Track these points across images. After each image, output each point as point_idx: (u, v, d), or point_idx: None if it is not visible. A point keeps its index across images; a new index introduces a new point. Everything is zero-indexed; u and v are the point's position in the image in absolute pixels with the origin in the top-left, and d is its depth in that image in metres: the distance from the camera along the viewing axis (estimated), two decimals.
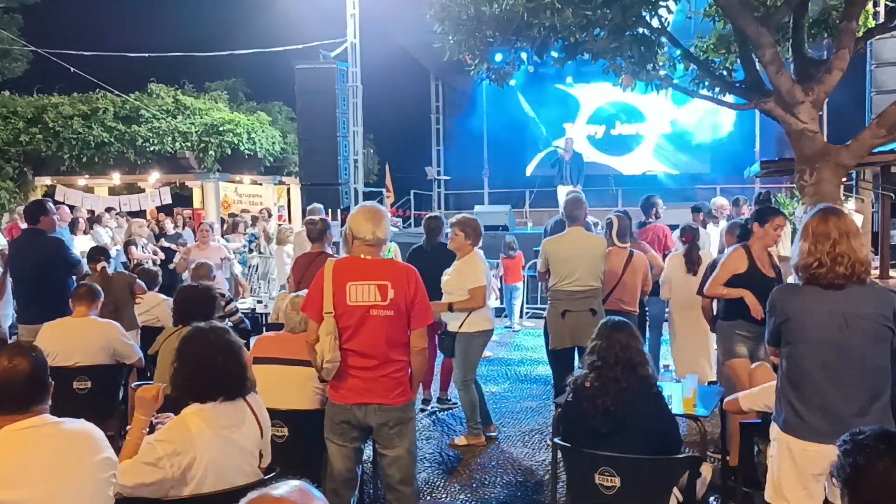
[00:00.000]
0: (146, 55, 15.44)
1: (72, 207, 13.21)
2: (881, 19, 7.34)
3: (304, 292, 4.86)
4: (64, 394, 4.66)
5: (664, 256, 7.48)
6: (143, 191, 20.12)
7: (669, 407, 3.47)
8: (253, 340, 8.26)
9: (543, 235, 7.61)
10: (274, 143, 19.28)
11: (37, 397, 2.49)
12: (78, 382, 5.14)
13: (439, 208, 19.86)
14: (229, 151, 17.84)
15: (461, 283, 5.70)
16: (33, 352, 2.54)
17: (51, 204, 6.63)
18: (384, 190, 19.50)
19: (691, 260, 6.43)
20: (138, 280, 6.71)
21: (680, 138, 19.08)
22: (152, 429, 2.85)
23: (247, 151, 18.17)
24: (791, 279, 3.32)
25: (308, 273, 6.22)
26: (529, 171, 19.92)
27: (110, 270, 6.91)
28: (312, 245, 6.76)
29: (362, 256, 3.80)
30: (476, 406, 6.02)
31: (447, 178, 19.68)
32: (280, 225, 12.96)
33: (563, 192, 14.83)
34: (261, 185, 21.18)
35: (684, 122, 18.82)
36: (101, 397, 5.26)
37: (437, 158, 20.80)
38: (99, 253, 7.07)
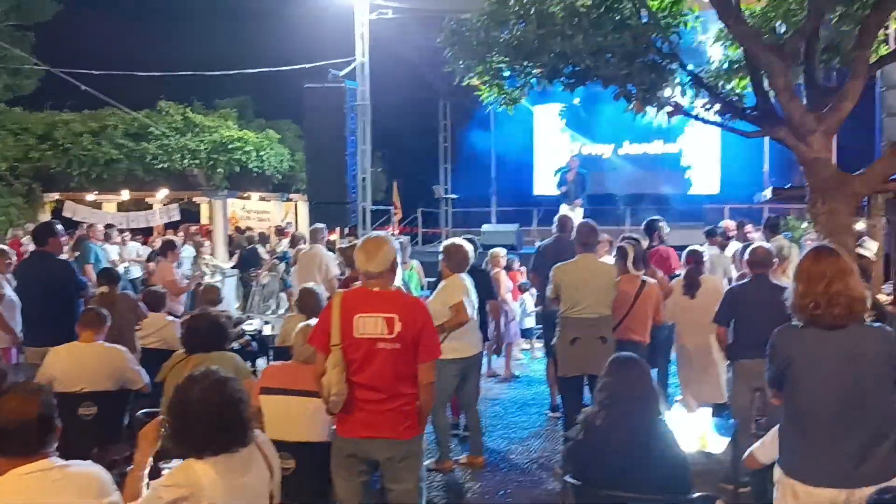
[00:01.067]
0: (156, 74, 15.50)
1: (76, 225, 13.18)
2: (892, 45, 7.30)
3: (315, 321, 4.85)
4: (69, 420, 4.62)
5: (670, 279, 7.43)
6: (150, 207, 20.20)
7: (678, 444, 3.40)
8: (259, 363, 8.38)
9: (536, 253, 7.54)
10: (282, 160, 19.35)
11: (44, 440, 2.45)
12: (84, 408, 5.09)
13: (447, 226, 19.86)
14: (238, 169, 17.91)
15: (440, 305, 5.60)
16: (42, 393, 2.50)
17: (59, 226, 6.62)
18: (392, 207, 19.52)
19: (690, 284, 6.37)
20: (140, 304, 6.67)
21: (687, 158, 19.05)
22: (157, 473, 2.79)
23: (255, 169, 18.25)
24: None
25: None
26: (538, 190, 19.90)
27: (117, 291, 6.87)
28: (350, 272, 6.66)
29: (371, 288, 3.76)
30: (444, 432, 5.94)
31: (455, 196, 19.67)
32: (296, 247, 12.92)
33: (565, 211, 14.86)
34: (269, 202, 21.23)
35: (692, 143, 18.79)
36: (106, 423, 5.22)
37: (444, 177, 20.83)
38: (104, 276, 7.03)
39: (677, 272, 7.74)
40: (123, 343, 5.72)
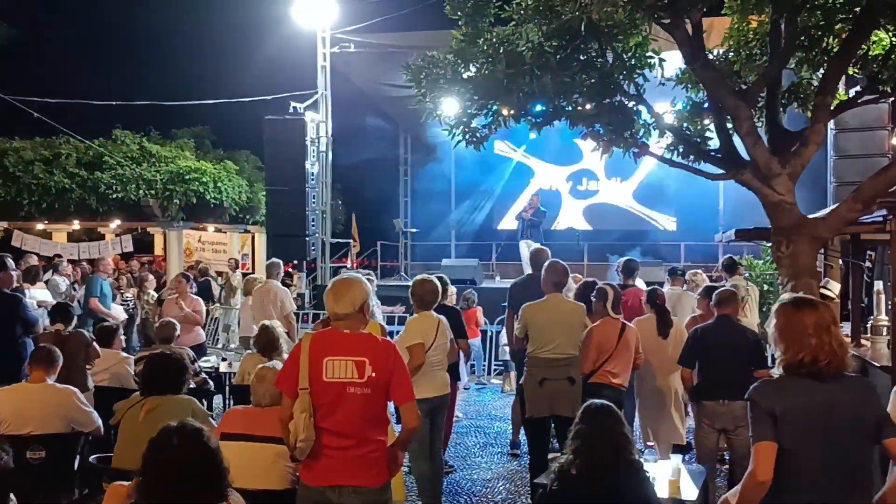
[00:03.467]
0: (113, 102, 15.23)
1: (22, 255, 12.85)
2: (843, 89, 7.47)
3: (272, 364, 4.71)
4: (17, 464, 4.39)
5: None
6: (103, 237, 19.76)
7: (655, 494, 3.34)
8: (216, 400, 8.14)
9: (510, 291, 7.45)
10: (241, 192, 19.11)
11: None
12: (31, 452, 4.85)
13: (406, 260, 19.77)
14: (195, 200, 17.62)
15: (400, 346, 5.44)
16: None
17: (10, 260, 6.38)
18: (351, 241, 19.38)
19: (664, 323, 6.35)
20: (94, 343, 6.43)
21: (645, 196, 19.29)
22: None
23: (213, 200, 17.97)
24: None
25: None
26: (497, 224, 19.97)
27: (69, 329, 6.61)
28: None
29: (341, 330, 3.66)
30: (425, 479, 5.69)
31: (414, 230, 19.62)
32: (247, 276, 12.73)
33: (524, 248, 14.93)
34: (225, 233, 20.93)
35: (649, 181, 19.05)
36: (56, 468, 4.99)
37: (404, 210, 20.78)
38: (59, 313, 6.74)
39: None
40: (75, 383, 5.48)
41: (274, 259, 9.83)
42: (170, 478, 2.48)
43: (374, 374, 3.54)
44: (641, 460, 3.46)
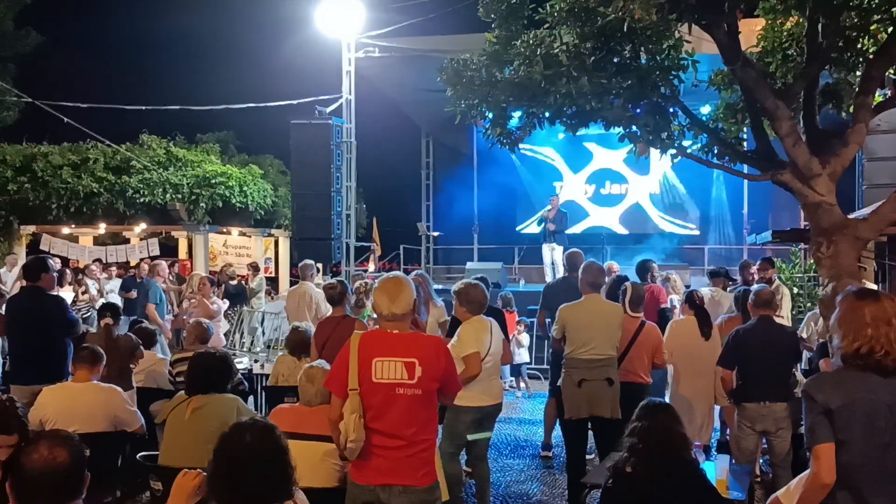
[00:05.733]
0: (141, 108, 15.37)
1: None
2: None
3: (319, 362, 4.73)
4: None
5: (659, 314, 7.41)
6: (128, 241, 19.92)
7: (717, 492, 3.33)
8: (248, 402, 8.18)
9: (545, 291, 7.47)
10: (265, 196, 19.22)
11: (74, 492, 2.32)
12: None
13: (428, 263, 19.77)
14: (220, 204, 17.74)
15: (456, 354, 5.36)
16: (73, 441, 2.38)
17: (52, 261, 6.46)
18: (373, 244, 19.44)
19: (705, 324, 6.31)
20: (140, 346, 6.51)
21: (668, 199, 19.22)
22: None
23: (238, 204, 18.09)
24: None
25: (332, 339, 6.03)
26: (520, 227, 19.95)
27: (117, 331, 6.69)
28: (333, 309, 6.56)
29: (390, 331, 3.68)
30: (456, 480, 5.49)
31: (437, 233, 19.63)
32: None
33: (546, 252, 14.92)
34: (249, 237, 21.04)
35: (673, 183, 18.99)
36: (99, 466, 5.01)
37: (426, 214, 20.81)
38: (107, 309, 6.84)
39: (663, 305, 7.77)
40: (119, 383, 5.54)
41: (307, 260, 9.85)
42: (241, 474, 2.50)
43: (423, 375, 3.56)
44: (698, 459, 3.45)
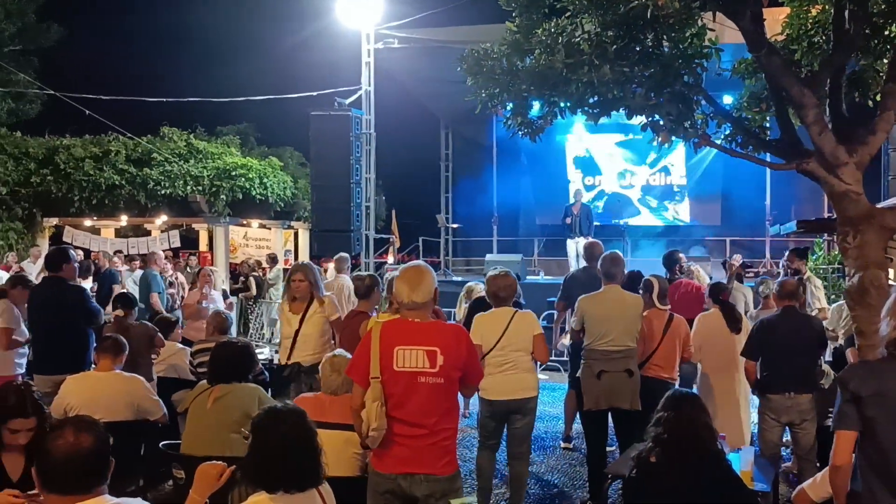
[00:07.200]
0: (162, 100, 15.47)
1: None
2: None
3: (340, 351, 4.73)
4: None
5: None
6: (149, 233, 20.07)
7: (743, 483, 3.29)
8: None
9: (565, 283, 7.44)
10: (285, 188, 19.28)
11: (99, 476, 2.34)
12: None
13: (447, 256, 19.75)
14: (241, 196, 17.84)
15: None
16: (97, 427, 2.39)
17: (73, 252, 6.50)
18: (392, 236, 19.44)
19: (734, 318, 6.22)
20: (159, 334, 6.54)
21: (690, 189, 19.06)
22: None
23: (258, 196, 18.17)
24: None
25: (344, 334, 5.99)
26: (540, 220, 19.84)
27: (132, 320, 6.74)
28: (359, 303, 6.37)
29: (411, 319, 3.66)
30: (483, 476, 5.57)
31: (456, 225, 19.59)
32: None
33: (571, 246, 14.79)
34: (269, 229, 21.13)
35: (694, 173, 18.83)
36: (123, 455, 5.04)
37: (445, 206, 20.77)
38: (120, 301, 6.90)
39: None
40: (140, 372, 5.58)
41: (342, 254, 9.86)
42: (276, 459, 2.53)
43: (445, 363, 3.54)
44: (724, 451, 3.41)
